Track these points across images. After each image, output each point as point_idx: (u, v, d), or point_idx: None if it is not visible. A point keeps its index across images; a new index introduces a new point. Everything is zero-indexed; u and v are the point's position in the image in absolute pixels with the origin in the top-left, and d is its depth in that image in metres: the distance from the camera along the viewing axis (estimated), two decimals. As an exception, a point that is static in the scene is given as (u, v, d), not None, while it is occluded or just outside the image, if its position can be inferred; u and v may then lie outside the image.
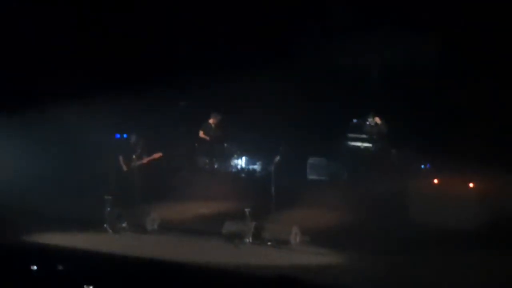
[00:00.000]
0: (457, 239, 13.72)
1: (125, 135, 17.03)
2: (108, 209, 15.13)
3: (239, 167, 18.48)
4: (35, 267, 9.73)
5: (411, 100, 16.54)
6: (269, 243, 14.09)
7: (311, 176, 17.14)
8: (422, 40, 16.35)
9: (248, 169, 18.40)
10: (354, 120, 17.11)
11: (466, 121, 15.88)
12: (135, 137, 16.63)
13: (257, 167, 18.32)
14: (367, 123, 16.92)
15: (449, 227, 14.40)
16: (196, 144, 18.65)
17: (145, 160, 16.37)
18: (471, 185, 14.70)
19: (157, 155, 16.52)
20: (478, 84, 15.89)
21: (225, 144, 18.34)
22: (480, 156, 14.59)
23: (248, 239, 14.17)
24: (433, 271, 12.21)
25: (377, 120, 16.79)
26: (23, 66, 17.73)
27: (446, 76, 16.32)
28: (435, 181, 15.19)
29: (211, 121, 18.33)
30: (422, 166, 16.48)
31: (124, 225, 15.25)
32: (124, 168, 16.49)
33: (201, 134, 18.33)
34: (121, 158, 16.60)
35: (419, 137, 15.86)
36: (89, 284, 9.18)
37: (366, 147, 16.94)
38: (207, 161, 18.45)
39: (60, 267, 9.75)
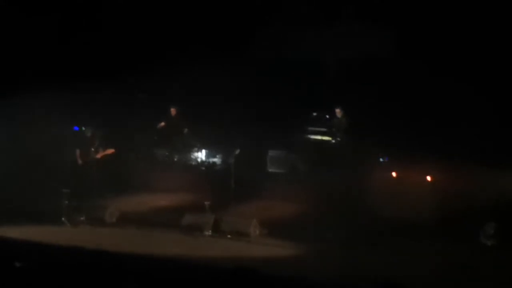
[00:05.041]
0: (414, 230, 13.93)
1: (83, 128, 16.77)
2: (66, 202, 14.98)
3: (199, 160, 18.40)
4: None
5: (370, 93, 16.66)
6: (228, 235, 14.13)
7: (271, 169, 17.17)
8: (381, 33, 16.47)
9: (208, 162, 18.33)
10: (314, 113, 17.17)
11: (424, 114, 16.05)
12: (92, 130, 16.41)
13: (217, 159, 18.27)
14: (327, 116, 17.00)
15: (406, 219, 14.61)
16: (155, 137, 18.55)
17: (98, 155, 16.15)
18: (428, 178, 14.87)
19: (110, 151, 16.29)
20: (436, 78, 16.06)
21: (185, 137, 18.25)
22: (438, 149, 14.78)
23: (208, 232, 14.19)
24: (390, 261, 12.37)
25: (337, 113, 16.89)
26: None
27: (405, 69, 16.45)
28: (393, 174, 15.33)
29: (170, 113, 18.23)
30: (381, 159, 16.59)
31: (82, 218, 15.12)
32: (79, 161, 16.23)
33: (161, 126, 18.22)
34: (78, 151, 16.36)
35: (377, 130, 15.99)
36: (47, 278, 9.11)
37: (325, 140, 17.02)
38: (166, 153, 18.36)
39: (17, 261, 9.64)
